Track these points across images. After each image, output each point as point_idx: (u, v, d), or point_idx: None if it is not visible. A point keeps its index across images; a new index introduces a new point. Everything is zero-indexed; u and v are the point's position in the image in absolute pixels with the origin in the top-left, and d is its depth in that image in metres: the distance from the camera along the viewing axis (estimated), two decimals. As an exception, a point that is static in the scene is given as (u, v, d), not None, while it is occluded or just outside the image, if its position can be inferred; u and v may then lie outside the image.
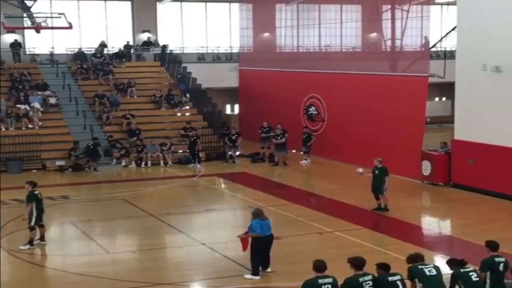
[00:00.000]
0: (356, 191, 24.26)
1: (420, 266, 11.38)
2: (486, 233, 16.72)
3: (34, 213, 18.18)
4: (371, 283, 11.03)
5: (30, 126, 32.74)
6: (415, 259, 11.54)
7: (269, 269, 15.88)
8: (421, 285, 11.15)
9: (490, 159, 24.37)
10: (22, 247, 18.05)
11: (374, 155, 23.13)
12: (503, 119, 23.86)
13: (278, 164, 31.71)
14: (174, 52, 41.02)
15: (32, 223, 18.22)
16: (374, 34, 33.42)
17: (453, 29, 26.57)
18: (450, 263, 11.92)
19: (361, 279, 11.00)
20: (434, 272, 11.30)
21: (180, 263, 17.27)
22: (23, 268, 16.91)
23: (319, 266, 11.07)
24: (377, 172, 21.97)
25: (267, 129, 33.33)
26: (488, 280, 11.83)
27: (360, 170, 23.42)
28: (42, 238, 18.53)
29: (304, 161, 32.13)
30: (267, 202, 23.17)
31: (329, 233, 19.65)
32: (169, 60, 40.48)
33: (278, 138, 32.11)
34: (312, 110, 34.40)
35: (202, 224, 21.75)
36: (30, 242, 18.16)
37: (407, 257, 11.68)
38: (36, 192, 18.48)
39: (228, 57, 43.17)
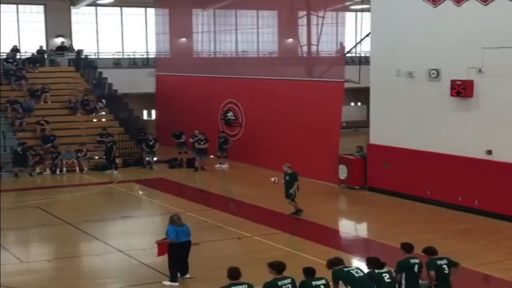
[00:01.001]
0: (273, 196, 24.37)
1: (345, 269, 11.51)
2: (401, 236, 17.06)
3: None
4: (290, 286, 11.09)
5: None
6: (336, 263, 11.66)
7: (187, 275, 15.79)
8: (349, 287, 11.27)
9: (404, 162, 24.88)
10: None
11: (292, 160, 23.36)
12: (416, 123, 24.40)
13: (197, 170, 31.61)
14: (89, 57, 40.47)
15: None
16: (290, 40, 33.69)
17: (367, 35, 27.04)
18: (369, 262, 12.08)
19: (280, 283, 11.04)
20: (361, 273, 11.48)
21: (97, 271, 16.99)
22: None
23: (233, 274, 11.06)
24: (287, 178, 22.14)
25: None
26: (403, 281, 12.06)
27: (273, 179, 23.59)
28: None
29: (219, 165, 32.18)
30: (186, 208, 23.07)
31: (248, 237, 19.68)
32: (84, 65, 39.90)
33: (202, 143, 32.04)
34: (230, 115, 34.44)
35: (119, 231, 21.50)
36: None
37: (328, 262, 11.79)
38: None
39: (145, 63, 42.86)
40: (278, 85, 31.34)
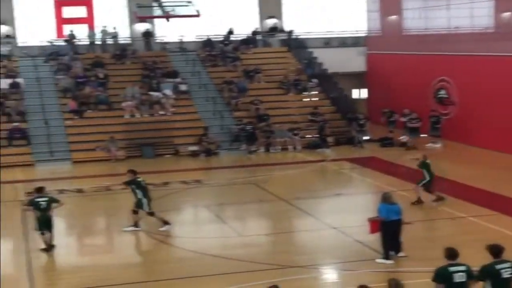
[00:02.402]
0: (491, 176, 23.50)
1: None
2: None
3: (143, 200, 18.55)
4: (510, 270, 10.71)
5: (162, 112, 33.72)
6: None
7: (401, 254, 15.76)
8: None
9: None
10: (126, 229, 18.61)
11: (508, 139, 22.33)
12: None
13: (409, 148, 31.23)
14: (299, 37, 41.11)
15: (146, 209, 18.62)
16: (509, 13, 32.21)
17: None
18: None
19: (498, 267, 10.68)
20: None
21: (311, 247, 17.41)
22: (161, 249, 17.52)
23: (451, 254, 10.85)
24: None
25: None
26: None
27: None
28: (165, 222, 18.87)
29: (431, 144, 31.57)
30: (398, 187, 22.87)
31: (462, 218, 19.24)
32: (295, 45, 40.61)
33: (414, 122, 31.76)
34: (442, 93, 33.68)
35: (332, 209, 21.78)
36: (165, 223, 18.67)
37: None
38: (139, 179, 18.84)
39: (354, 41, 42.80)
40: (494, 61, 30.16)
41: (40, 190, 17.57)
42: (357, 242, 17.15)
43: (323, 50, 40.85)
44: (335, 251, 16.82)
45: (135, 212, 18.69)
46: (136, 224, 18.63)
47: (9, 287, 14.86)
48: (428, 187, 20.95)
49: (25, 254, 16.99)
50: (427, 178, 20.84)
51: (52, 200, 17.34)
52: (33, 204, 17.13)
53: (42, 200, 17.11)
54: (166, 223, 18.69)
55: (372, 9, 40.51)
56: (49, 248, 16.96)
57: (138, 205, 18.57)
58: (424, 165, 21.03)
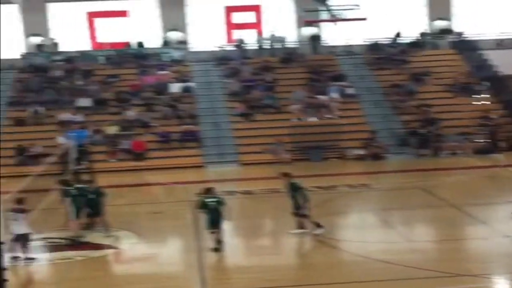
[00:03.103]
0: None
1: None
2: None
3: (300, 203, 18.48)
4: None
5: (328, 116, 33.79)
6: None
7: None
8: None
9: None
10: (316, 232, 18.54)
11: None
12: None
13: None
14: (470, 39, 39.87)
15: (306, 212, 18.59)
16: None
17: None
18: None
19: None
20: None
21: (482, 255, 16.76)
22: (327, 253, 17.51)
23: None
24: None
25: None
26: None
27: None
28: (318, 225, 18.84)
29: None
30: None
31: None
32: (465, 47, 39.43)
33: None
34: None
35: (505, 216, 20.88)
36: (318, 226, 18.62)
37: None
38: (295, 181, 18.79)
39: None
40: None
41: (209, 191, 18.09)
42: (534, 252, 16.39)
43: (495, 51, 39.37)
44: (509, 260, 16.12)
45: (296, 214, 18.79)
46: (302, 226, 18.71)
47: (181, 285, 15.40)
48: None
49: (196, 252, 17.50)
50: None
51: (220, 202, 17.81)
52: (203, 205, 17.67)
53: (211, 201, 17.63)
54: (319, 226, 18.68)
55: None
56: (218, 247, 17.43)
57: (296, 207, 18.66)
58: None
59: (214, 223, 17.45)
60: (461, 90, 35.79)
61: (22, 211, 16.54)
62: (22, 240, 16.37)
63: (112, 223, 20.02)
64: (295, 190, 18.68)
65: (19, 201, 16.79)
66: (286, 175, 19.01)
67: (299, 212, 18.58)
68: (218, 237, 17.53)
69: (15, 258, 16.24)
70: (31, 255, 16.79)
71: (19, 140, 32.17)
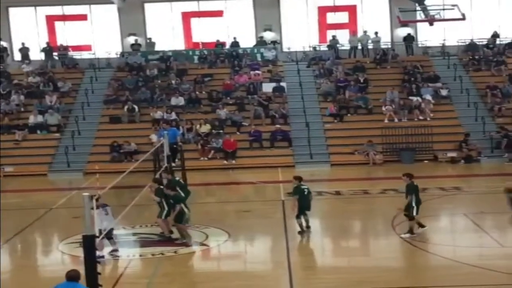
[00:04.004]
0: None
1: None
2: None
3: (413, 204, 18.25)
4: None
5: (421, 117, 33.31)
6: None
7: None
8: None
9: None
10: (403, 235, 18.31)
11: None
12: None
13: None
14: None
15: (414, 213, 18.31)
16: None
17: None
18: None
19: None
20: None
21: None
22: (418, 255, 17.23)
23: None
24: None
25: None
26: None
27: None
28: (421, 225, 18.55)
29: None
30: None
31: None
32: None
33: None
34: None
35: None
36: (410, 231, 18.31)
37: None
38: (414, 183, 18.43)
39: None
40: None
41: (301, 179, 19.31)
42: None
43: None
44: None
45: (406, 216, 18.56)
46: (412, 230, 18.42)
47: (269, 284, 15.47)
48: None
49: (285, 251, 17.54)
50: None
51: (310, 191, 19.26)
52: (299, 190, 18.94)
53: (305, 188, 19.04)
54: (422, 226, 18.40)
55: None
56: (305, 230, 18.94)
57: (408, 208, 18.39)
58: None
59: (304, 208, 18.90)
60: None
61: (105, 205, 16.87)
62: (109, 233, 16.76)
63: (202, 220, 20.32)
64: (411, 191, 18.43)
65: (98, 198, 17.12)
66: (408, 176, 18.78)
67: (408, 213, 18.39)
68: (306, 221, 18.95)
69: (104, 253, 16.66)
70: (117, 248, 17.27)
71: (113, 137, 32.91)
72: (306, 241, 18.90)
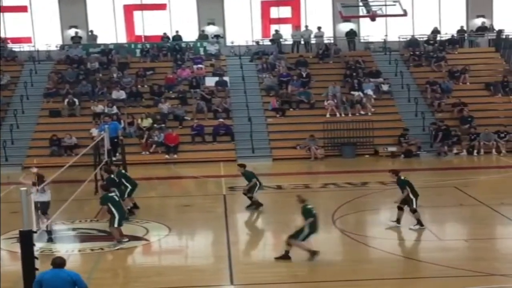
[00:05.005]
0: None
1: None
2: None
3: (411, 197, 18.55)
4: None
5: (363, 112, 33.62)
6: None
7: None
8: None
9: None
10: (412, 227, 18.56)
11: None
12: None
13: None
14: (510, 37, 39.32)
15: (414, 206, 18.58)
16: None
17: None
18: None
19: None
20: None
21: (515, 255, 16.57)
22: (358, 250, 17.38)
23: None
24: None
25: None
26: None
27: None
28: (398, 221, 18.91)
29: None
30: None
31: None
32: (505, 45, 38.91)
33: None
34: None
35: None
36: (419, 223, 18.60)
37: None
38: (402, 177, 18.91)
39: None
40: None
41: (244, 166, 21.37)
42: None
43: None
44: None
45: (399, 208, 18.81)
46: (419, 222, 18.65)
47: (209, 277, 15.44)
48: None
49: (226, 246, 17.51)
50: None
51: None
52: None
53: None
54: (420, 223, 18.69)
55: None
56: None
57: (407, 202, 18.59)
58: None
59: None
60: (499, 89, 35.31)
61: (42, 180, 16.72)
62: (43, 208, 16.69)
63: (143, 215, 20.17)
64: (403, 185, 18.72)
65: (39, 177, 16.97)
66: (394, 171, 19.18)
67: (411, 207, 18.59)
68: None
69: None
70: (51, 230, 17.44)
71: (53, 131, 32.42)
72: (247, 235, 18.91)
